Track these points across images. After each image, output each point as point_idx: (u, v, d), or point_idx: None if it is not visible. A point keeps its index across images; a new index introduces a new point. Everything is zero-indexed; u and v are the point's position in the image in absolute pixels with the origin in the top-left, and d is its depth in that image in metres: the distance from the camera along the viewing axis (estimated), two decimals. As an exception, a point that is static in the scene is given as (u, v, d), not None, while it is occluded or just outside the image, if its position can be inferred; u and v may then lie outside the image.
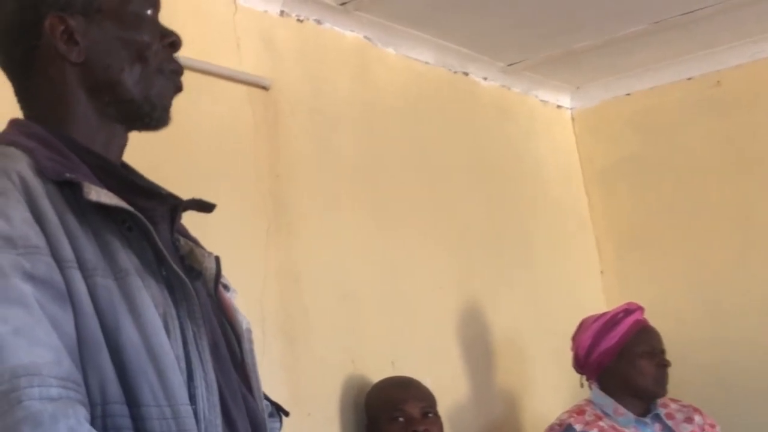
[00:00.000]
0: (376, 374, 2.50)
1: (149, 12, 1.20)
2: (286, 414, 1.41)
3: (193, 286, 1.12)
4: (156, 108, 1.18)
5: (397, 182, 2.87)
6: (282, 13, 2.62)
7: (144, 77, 1.16)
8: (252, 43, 2.50)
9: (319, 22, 2.73)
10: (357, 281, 2.61)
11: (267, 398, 1.36)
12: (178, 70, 1.21)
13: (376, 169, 2.81)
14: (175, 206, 1.20)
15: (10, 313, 0.95)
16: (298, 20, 2.67)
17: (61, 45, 1.14)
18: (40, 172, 1.06)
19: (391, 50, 2.99)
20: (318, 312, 2.45)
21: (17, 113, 1.20)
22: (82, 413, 0.95)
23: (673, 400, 2.67)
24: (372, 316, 2.62)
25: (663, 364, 2.59)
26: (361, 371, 2.52)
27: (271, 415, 1.36)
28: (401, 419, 2.35)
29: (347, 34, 2.84)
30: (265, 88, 2.49)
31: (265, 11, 2.57)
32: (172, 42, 1.21)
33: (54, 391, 0.93)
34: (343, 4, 2.69)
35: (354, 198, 2.69)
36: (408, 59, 3.06)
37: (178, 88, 1.22)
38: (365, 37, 2.89)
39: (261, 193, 2.40)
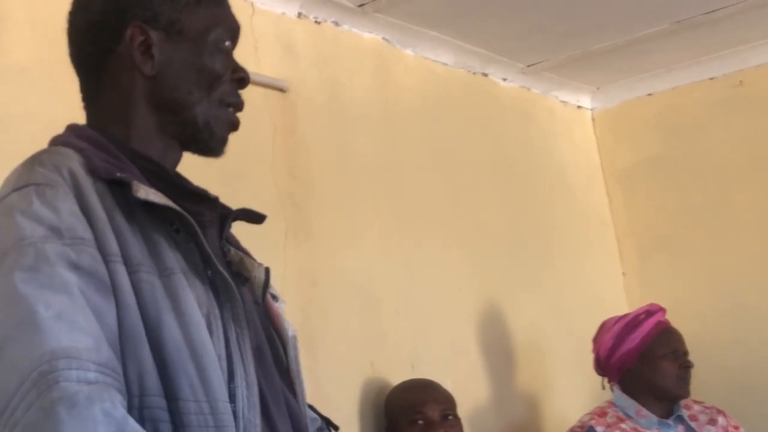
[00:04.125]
0: (396, 377, 2.49)
1: (227, 44, 1.22)
2: (336, 428, 1.41)
3: (238, 290, 1.14)
4: (214, 136, 1.20)
5: (416, 184, 2.86)
6: (300, 15, 2.61)
7: (208, 105, 1.19)
8: (270, 46, 2.50)
9: (337, 23, 2.73)
10: (376, 283, 2.60)
11: (317, 413, 1.38)
12: (239, 104, 1.23)
13: (395, 172, 2.80)
14: (225, 215, 1.22)
15: (53, 299, 0.96)
16: (316, 22, 2.67)
17: (138, 55, 1.17)
18: (91, 170, 1.09)
19: (409, 52, 2.98)
20: (337, 314, 2.44)
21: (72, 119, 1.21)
22: (118, 398, 0.95)
23: (696, 402, 2.65)
24: (391, 319, 2.61)
25: (686, 366, 2.56)
26: (381, 374, 2.51)
27: (320, 429, 1.37)
28: (421, 422, 2.34)
29: (365, 35, 2.83)
30: (282, 90, 2.49)
31: (283, 13, 2.57)
32: (241, 78, 1.23)
33: (91, 375, 0.94)
34: (361, 5, 2.68)
35: (372, 200, 2.68)
36: (427, 60, 3.05)
37: (234, 126, 1.23)
38: (384, 38, 2.88)
39: (279, 195, 2.40)
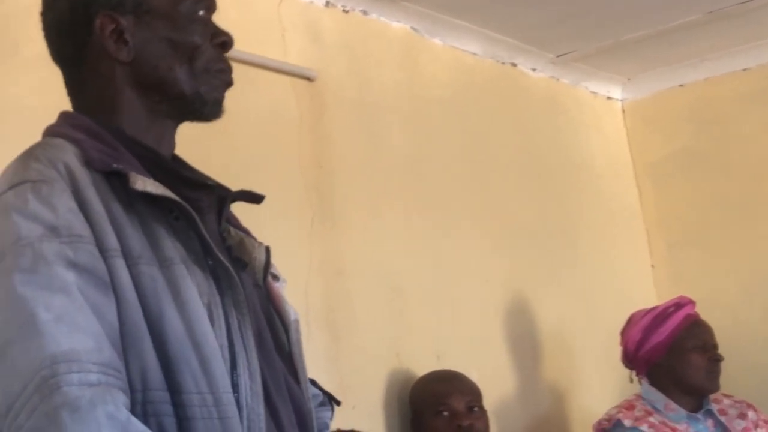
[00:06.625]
0: (421, 368, 2.49)
1: (201, 13, 1.20)
2: (338, 403, 1.42)
3: (239, 276, 1.13)
4: (207, 103, 1.18)
5: (444, 174, 2.84)
6: (327, 3, 2.60)
7: (193, 75, 1.17)
8: (297, 34, 2.49)
9: (365, 12, 2.71)
10: (402, 274, 2.59)
11: (319, 387, 1.37)
12: (226, 68, 1.21)
13: (423, 162, 2.78)
14: (224, 197, 1.21)
15: (52, 300, 0.96)
16: (344, 11, 2.66)
17: (111, 44, 1.15)
18: (87, 162, 1.08)
19: (438, 41, 2.97)
20: (363, 304, 2.44)
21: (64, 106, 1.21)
22: (121, 399, 0.95)
23: (726, 396, 2.62)
24: (417, 309, 2.60)
25: (715, 359, 2.53)
26: (406, 365, 2.50)
27: (322, 404, 1.37)
28: (446, 413, 2.33)
29: (394, 24, 2.82)
30: (310, 79, 2.48)
31: (311, 2, 2.56)
32: (223, 42, 1.21)
33: (93, 377, 0.94)
34: (389, -6, 2.67)
35: (399, 190, 2.67)
36: (455, 50, 3.03)
37: (228, 83, 1.22)
38: (412, 27, 2.87)
39: (305, 184, 2.40)
